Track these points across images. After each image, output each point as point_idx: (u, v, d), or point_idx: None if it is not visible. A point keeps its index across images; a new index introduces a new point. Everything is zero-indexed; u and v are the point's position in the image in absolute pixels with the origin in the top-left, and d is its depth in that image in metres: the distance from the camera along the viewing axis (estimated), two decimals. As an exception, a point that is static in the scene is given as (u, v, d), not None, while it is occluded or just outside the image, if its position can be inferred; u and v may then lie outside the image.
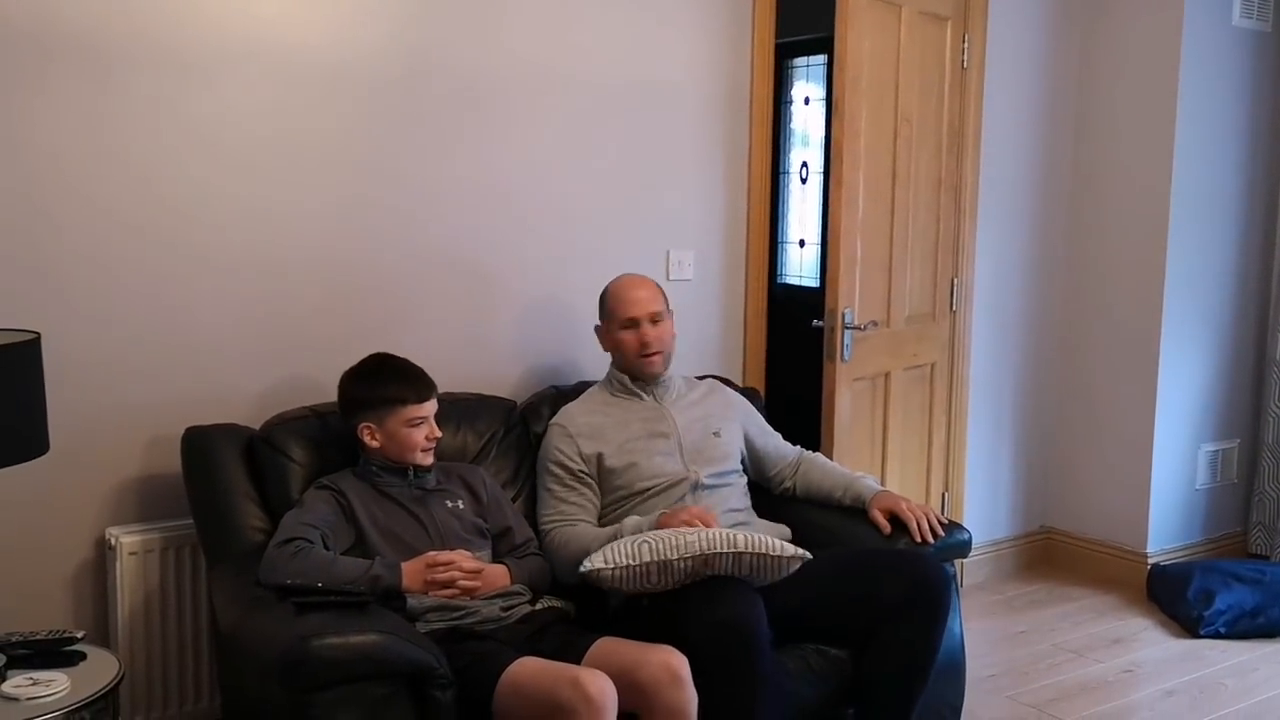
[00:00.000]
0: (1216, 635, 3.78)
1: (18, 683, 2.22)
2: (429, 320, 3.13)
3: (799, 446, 3.13)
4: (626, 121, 3.40)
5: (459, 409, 2.93)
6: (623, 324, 2.93)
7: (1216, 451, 4.48)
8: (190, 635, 2.80)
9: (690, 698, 2.26)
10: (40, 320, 2.53)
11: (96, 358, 2.71)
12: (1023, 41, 4.18)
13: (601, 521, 2.80)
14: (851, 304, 3.52)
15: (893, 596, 2.53)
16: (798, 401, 4.03)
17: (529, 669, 2.22)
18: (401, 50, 3.02)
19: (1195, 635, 3.81)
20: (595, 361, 3.07)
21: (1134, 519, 4.31)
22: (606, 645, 2.35)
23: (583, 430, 2.87)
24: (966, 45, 3.94)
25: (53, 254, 2.65)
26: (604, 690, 2.13)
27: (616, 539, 2.61)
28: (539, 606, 2.55)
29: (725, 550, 2.42)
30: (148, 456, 2.81)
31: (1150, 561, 4.26)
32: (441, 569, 2.46)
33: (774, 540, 2.50)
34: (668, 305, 2.99)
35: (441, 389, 2.72)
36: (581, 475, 2.83)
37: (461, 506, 2.67)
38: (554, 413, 2.96)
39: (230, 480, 2.64)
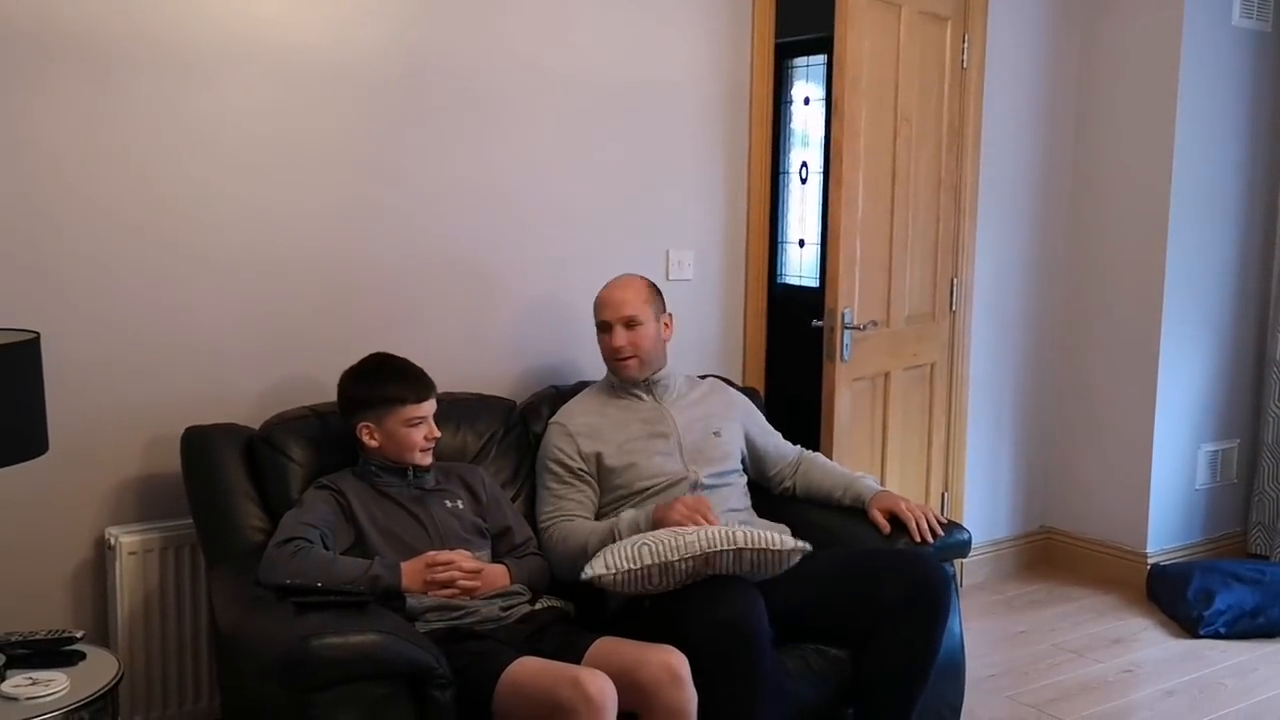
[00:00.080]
0: (1216, 635, 3.78)
1: (17, 682, 2.22)
2: (429, 320, 3.13)
3: (799, 446, 3.13)
4: (626, 121, 3.41)
5: (459, 409, 2.93)
6: (598, 326, 2.94)
7: (1216, 451, 4.48)
8: (190, 635, 2.80)
9: (690, 697, 2.26)
10: (40, 320, 2.53)
11: (96, 357, 2.71)
12: (1023, 41, 4.18)
13: (599, 520, 2.80)
14: (851, 304, 3.52)
15: (892, 596, 2.53)
16: (798, 401, 4.03)
17: (529, 669, 2.22)
18: (401, 50, 3.02)
19: (1195, 635, 3.81)
20: (595, 361, 3.07)
21: (1134, 519, 4.31)
22: (606, 645, 2.35)
23: (582, 429, 2.87)
24: (966, 45, 3.94)
25: (53, 254, 2.65)
26: (604, 690, 2.13)
27: (614, 533, 2.62)
28: (538, 606, 2.55)
29: (725, 548, 2.42)
30: (147, 456, 2.81)
31: (1150, 561, 4.26)
32: (441, 569, 2.46)
33: (773, 534, 2.50)
34: (661, 308, 2.97)
35: (441, 389, 2.72)
36: (580, 473, 2.83)
37: (461, 506, 2.67)
38: (554, 413, 2.96)
39: (230, 480, 2.64)
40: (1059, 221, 4.41)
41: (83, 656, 2.38)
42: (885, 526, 2.80)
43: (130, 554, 2.71)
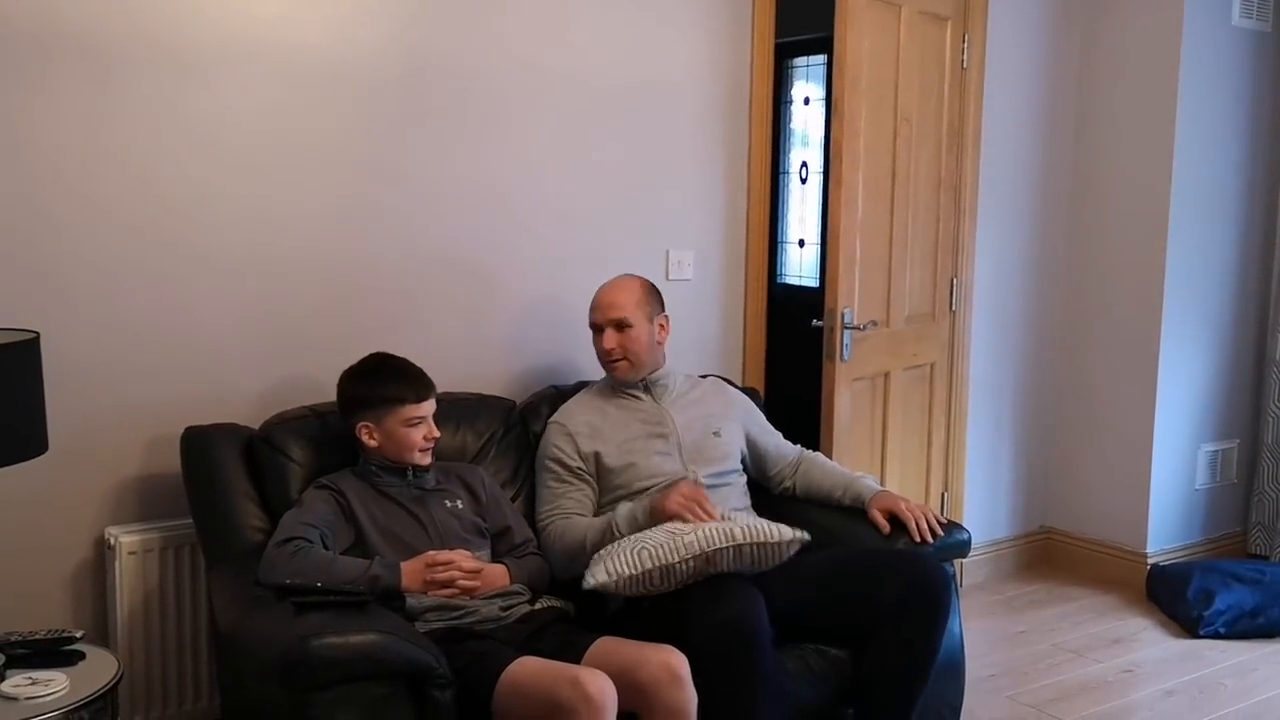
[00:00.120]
0: (1216, 635, 3.78)
1: (16, 682, 2.22)
2: (429, 320, 3.13)
3: (799, 446, 3.13)
4: (627, 121, 3.40)
5: (458, 409, 2.93)
6: (591, 327, 2.95)
7: (1216, 451, 4.48)
8: (189, 635, 2.80)
9: (690, 697, 2.25)
10: (40, 320, 2.53)
11: (96, 357, 2.71)
12: (1023, 41, 4.18)
13: None
14: (851, 304, 3.52)
15: (892, 596, 2.53)
16: (797, 401, 4.02)
17: (528, 668, 2.22)
18: (401, 50, 3.02)
19: (1195, 635, 3.81)
20: (595, 361, 3.06)
21: (1134, 519, 4.31)
22: (606, 645, 2.35)
23: (581, 429, 2.87)
24: (966, 45, 3.94)
25: (52, 254, 2.65)
26: (604, 690, 2.13)
27: (611, 527, 2.63)
28: (538, 606, 2.55)
29: (724, 545, 2.43)
30: (147, 456, 2.81)
31: (1150, 561, 4.26)
32: (441, 569, 2.46)
33: (771, 526, 2.51)
34: (657, 309, 2.96)
35: (441, 389, 2.72)
36: (579, 472, 2.83)
37: (460, 506, 2.67)
38: (554, 412, 2.96)
39: (230, 480, 2.64)
40: (1059, 221, 4.41)
41: (82, 656, 2.38)
42: (885, 526, 2.80)
43: (130, 554, 2.71)
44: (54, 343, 2.50)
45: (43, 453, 2.31)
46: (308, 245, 2.95)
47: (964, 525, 2.97)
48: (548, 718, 2.14)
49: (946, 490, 4.12)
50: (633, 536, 2.51)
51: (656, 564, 2.40)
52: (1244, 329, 4.49)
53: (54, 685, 2.23)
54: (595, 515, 2.81)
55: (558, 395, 3.06)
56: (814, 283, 5.46)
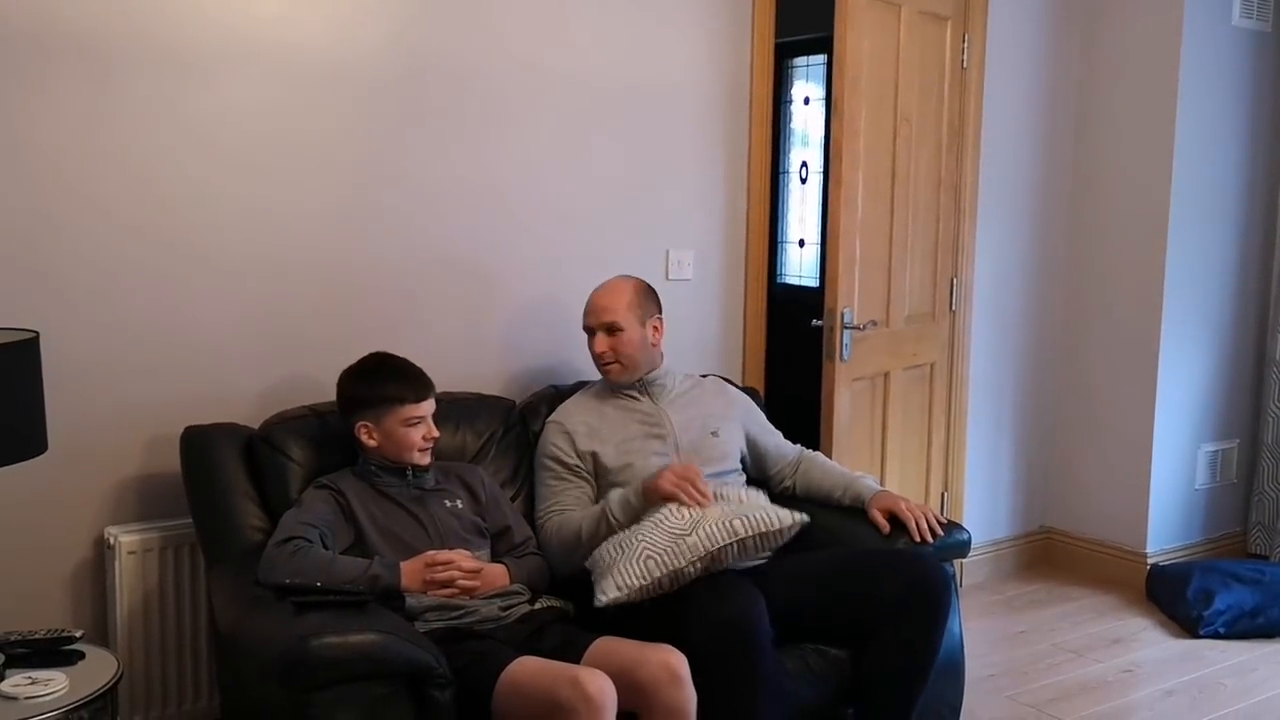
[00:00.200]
0: (1216, 635, 3.78)
1: (16, 682, 2.22)
2: (428, 320, 3.13)
3: (799, 445, 3.13)
4: (626, 121, 3.40)
5: (458, 408, 2.92)
6: (584, 329, 2.95)
7: (1216, 451, 4.48)
8: (189, 634, 2.80)
9: (689, 697, 2.26)
10: (40, 320, 2.53)
11: (96, 357, 2.71)
12: (1023, 41, 4.18)
13: None
14: (851, 304, 3.52)
15: (892, 596, 2.53)
16: (797, 401, 4.02)
17: (528, 668, 2.22)
18: (401, 50, 3.02)
19: (1195, 635, 3.81)
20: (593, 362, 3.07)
21: (1133, 519, 4.31)
22: (606, 644, 2.35)
23: (579, 428, 2.87)
24: (966, 45, 3.94)
25: (52, 254, 2.65)
26: (603, 689, 2.13)
27: (605, 514, 2.64)
28: (538, 606, 2.55)
29: (728, 542, 2.48)
30: (147, 456, 2.80)
31: (1150, 561, 4.25)
32: (440, 568, 2.46)
33: (770, 513, 2.55)
34: (651, 311, 2.95)
35: (440, 389, 2.72)
36: (576, 469, 2.83)
37: (460, 506, 2.67)
38: (553, 412, 2.96)
39: (229, 479, 2.64)
40: (1059, 221, 4.41)
41: (82, 656, 2.38)
42: (885, 526, 2.80)
43: (130, 553, 2.71)
44: (54, 342, 2.50)
45: (42, 452, 2.31)
46: (307, 245, 2.95)
47: (964, 525, 2.97)
48: (547, 717, 2.14)
49: (946, 490, 4.12)
50: (633, 539, 2.51)
51: (665, 571, 2.44)
52: (1244, 329, 4.49)
53: (54, 685, 2.23)
54: (591, 511, 2.82)
55: (557, 395, 3.06)
56: (814, 283, 5.46)
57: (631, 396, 2.95)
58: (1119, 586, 4.25)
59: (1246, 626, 3.80)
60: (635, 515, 2.62)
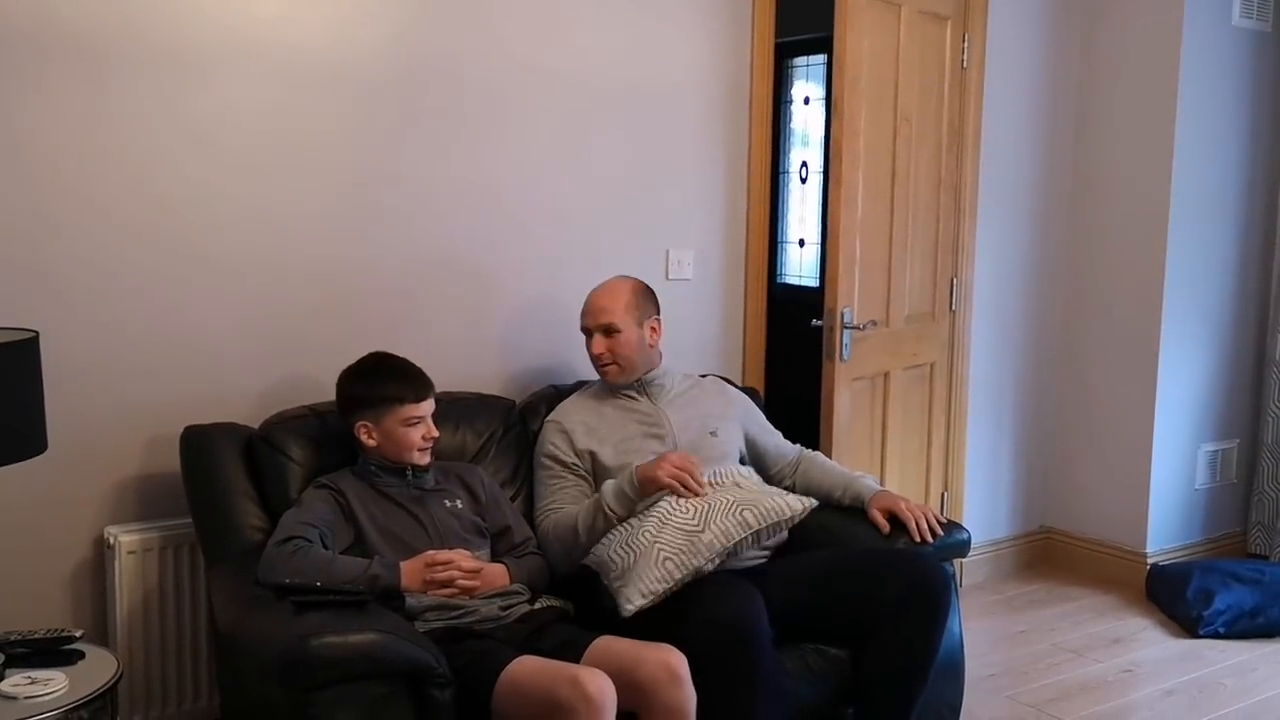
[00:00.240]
0: (1216, 635, 3.78)
1: (16, 681, 2.22)
2: (428, 320, 3.13)
3: (799, 445, 3.13)
4: (626, 122, 3.40)
5: (458, 408, 2.92)
6: (582, 330, 2.95)
7: (1216, 451, 4.48)
8: (189, 634, 2.80)
9: (689, 696, 2.26)
10: (39, 320, 2.53)
11: (95, 357, 2.71)
12: (1023, 41, 4.18)
13: None
14: (851, 303, 3.52)
15: (892, 596, 2.53)
16: (797, 401, 4.02)
17: (528, 668, 2.22)
18: (401, 51, 3.02)
19: (1194, 635, 3.81)
20: (593, 361, 3.07)
21: (1133, 519, 4.31)
22: (605, 644, 2.35)
23: (577, 427, 2.87)
24: (966, 45, 3.93)
25: (51, 254, 2.65)
26: (603, 689, 2.13)
27: (601, 507, 2.65)
28: (538, 606, 2.55)
29: (743, 535, 2.53)
30: (146, 456, 2.80)
31: (1150, 561, 4.25)
32: (440, 568, 2.46)
33: (779, 502, 2.59)
34: (649, 312, 2.95)
35: (440, 389, 2.72)
36: (574, 467, 2.83)
37: (460, 506, 2.67)
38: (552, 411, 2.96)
39: (229, 479, 2.64)
40: (1059, 221, 4.41)
41: (82, 656, 2.38)
42: (885, 526, 2.80)
43: (129, 553, 2.71)
44: (53, 342, 2.50)
45: (42, 452, 2.31)
46: (307, 245, 2.95)
47: (964, 525, 2.97)
48: (547, 717, 2.14)
49: (946, 490, 4.12)
50: (640, 538, 2.50)
51: (686, 570, 2.46)
52: (1244, 329, 4.49)
53: (53, 684, 2.22)
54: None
55: (557, 395, 3.06)
56: (814, 282, 5.46)
57: (630, 396, 2.95)
58: (1119, 586, 4.25)
59: (1246, 626, 3.80)
60: (631, 506, 2.62)
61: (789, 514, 2.60)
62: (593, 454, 2.83)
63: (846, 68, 3.41)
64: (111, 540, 2.71)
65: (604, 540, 2.59)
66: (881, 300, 3.73)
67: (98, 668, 2.34)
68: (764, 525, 2.56)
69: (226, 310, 2.86)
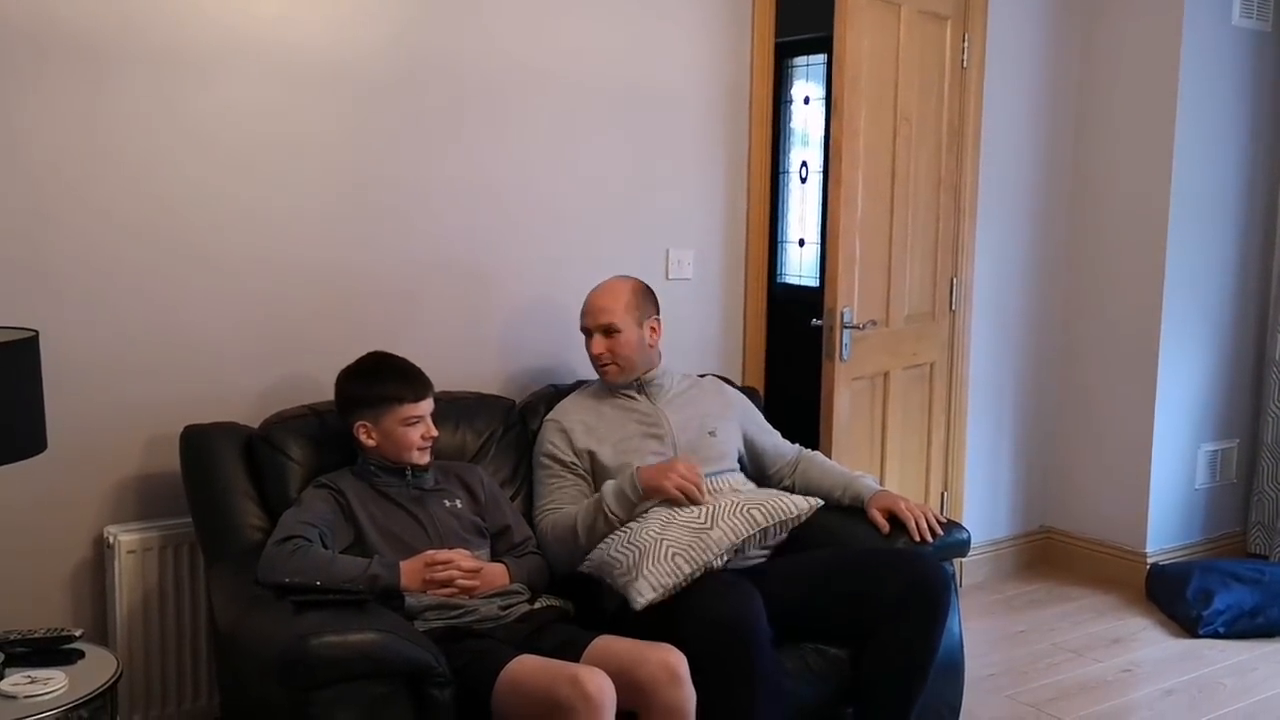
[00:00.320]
0: (1215, 635, 3.78)
1: (15, 681, 2.22)
2: (427, 320, 3.13)
3: (798, 445, 3.13)
4: (626, 122, 3.40)
5: (458, 408, 2.92)
6: (581, 330, 2.96)
7: (1216, 451, 4.48)
8: (189, 634, 2.80)
9: (689, 696, 2.26)
10: (39, 320, 2.53)
11: (95, 357, 2.71)
12: (1023, 41, 4.18)
13: None
14: (851, 303, 3.52)
15: (892, 596, 2.53)
16: (797, 401, 4.03)
17: (528, 667, 2.22)
18: (401, 51, 3.02)
19: (1194, 635, 3.81)
20: (593, 361, 3.07)
21: (1133, 519, 4.31)
22: (605, 643, 2.35)
23: (576, 426, 2.87)
24: (966, 44, 3.93)
25: (51, 254, 2.65)
26: (603, 688, 2.13)
27: (601, 507, 2.65)
28: (538, 605, 2.55)
29: (751, 533, 2.57)
30: (146, 455, 2.80)
31: (1149, 561, 4.25)
32: (440, 568, 2.46)
33: (784, 502, 2.63)
34: (649, 312, 2.95)
35: (440, 388, 2.72)
36: (572, 466, 2.84)
37: (459, 506, 2.67)
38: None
39: (229, 479, 2.64)
40: (1059, 221, 4.41)
41: (81, 655, 2.38)
42: (884, 526, 2.80)
43: (129, 553, 2.71)
44: (53, 342, 2.50)
45: (42, 451, 2.31)
46: (306, 245, 2.95)
47: (964, 525, 2.97)
48: (547, 716, 2.14)
49: (946, 490, 4.12)
50: (646, 536, 2.51)
51: (696, 566, 2.48)
52: (1244, 329, 4.49)
53: (53, 684, 2.23)
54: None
55: (556, 394, 3.06)
56: (814, 282, 5.46)
57: (629, 396, 2.95)
58: (1119, 586, 4.25)
59: (1246, 626, 3.80)
60: (631, 508, 2.63)
61: (795, 512, 2.64)
62: (592, 453, 2.83)
63: (846, 67, 3.41)
64: (111, 540, 2.71)
65: (604, 542, 2.59)
66: (881, 300, 3.73)
67: (97, 667, 2.34)
68: (772, 523, 2.60)
69: (226, 310, 2.86)
